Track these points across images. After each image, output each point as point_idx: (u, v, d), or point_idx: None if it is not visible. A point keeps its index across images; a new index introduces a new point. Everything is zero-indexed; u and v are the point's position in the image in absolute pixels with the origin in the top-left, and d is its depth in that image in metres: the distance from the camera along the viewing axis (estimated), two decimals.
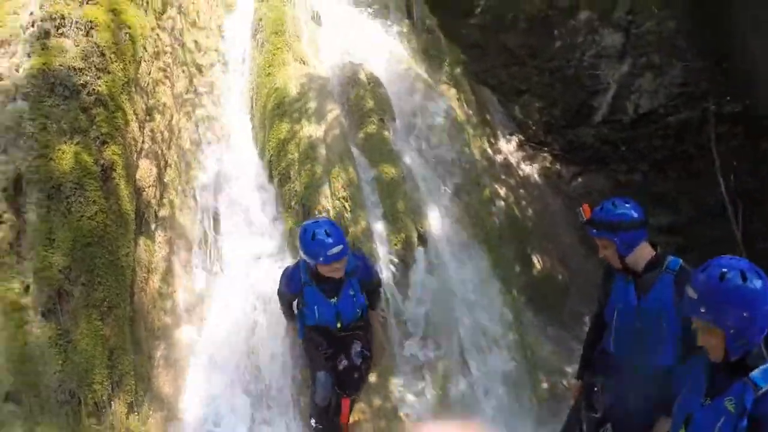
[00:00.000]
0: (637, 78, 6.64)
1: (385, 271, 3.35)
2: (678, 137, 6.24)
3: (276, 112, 3.89)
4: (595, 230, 2.23)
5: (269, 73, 4.17)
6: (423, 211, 3.82)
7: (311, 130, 3.68)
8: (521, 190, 6.06)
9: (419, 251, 3.60)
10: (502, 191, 5.56)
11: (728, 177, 5.60)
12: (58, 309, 2.51)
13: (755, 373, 1.51)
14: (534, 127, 7.24)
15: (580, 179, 6.58)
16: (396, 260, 3.43)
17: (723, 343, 1.54)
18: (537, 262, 5.04)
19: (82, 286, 2.58)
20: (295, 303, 2.97)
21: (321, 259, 2.58)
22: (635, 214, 2.23)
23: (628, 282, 2.26)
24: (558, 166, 6.75)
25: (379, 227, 3.52)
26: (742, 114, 5.66)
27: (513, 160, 6.54)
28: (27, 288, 2.52)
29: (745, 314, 1.49)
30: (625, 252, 2.22)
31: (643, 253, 2.25)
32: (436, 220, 3.92)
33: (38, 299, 2.50)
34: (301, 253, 2.67)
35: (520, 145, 6.87)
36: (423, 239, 3.62)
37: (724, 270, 1.52)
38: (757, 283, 1.50)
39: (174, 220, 3.34)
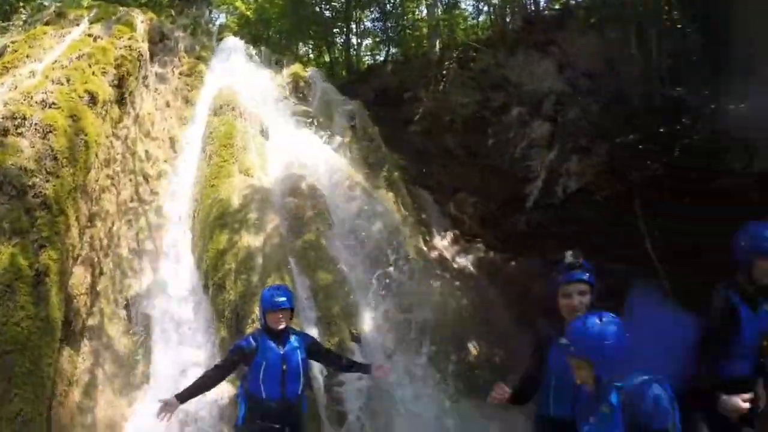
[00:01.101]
0: (564, 162, 7.25)
1: (318, 376, 3.49)
2: (606, 209, 6.65)
3: (217, 222, 4.16)
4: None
5: (213, 185, 4.51)
6: (358, 312, 4.04)
7: (250, 240, 3.95)
8: (456, 282, 6.32)
9: (355, 349, 3.75)
10: (437, 285, 5.90)
11: (653, 235, 5.97)
12: None
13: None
14: (469, 222, 7.88)
15: (513, 263, 6.81)
16: None
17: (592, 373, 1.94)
18: (473, 348, 5.25)
19: None
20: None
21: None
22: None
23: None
24: (492, 255, 7.03)
25: (314, 332, 3.68)
26: (666, 176, 6.14)
27: (448, 254, 6.94)
28: None
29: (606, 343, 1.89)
30: None
31: None
32: (370, 321, 4.12)
33: None
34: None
35: (455, 240, 7.30)
36: (357, 339, 3.82)
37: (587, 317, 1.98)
38: (610, 325, 1.93)
39: (102, 330, 3.38)
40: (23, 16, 6.85)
